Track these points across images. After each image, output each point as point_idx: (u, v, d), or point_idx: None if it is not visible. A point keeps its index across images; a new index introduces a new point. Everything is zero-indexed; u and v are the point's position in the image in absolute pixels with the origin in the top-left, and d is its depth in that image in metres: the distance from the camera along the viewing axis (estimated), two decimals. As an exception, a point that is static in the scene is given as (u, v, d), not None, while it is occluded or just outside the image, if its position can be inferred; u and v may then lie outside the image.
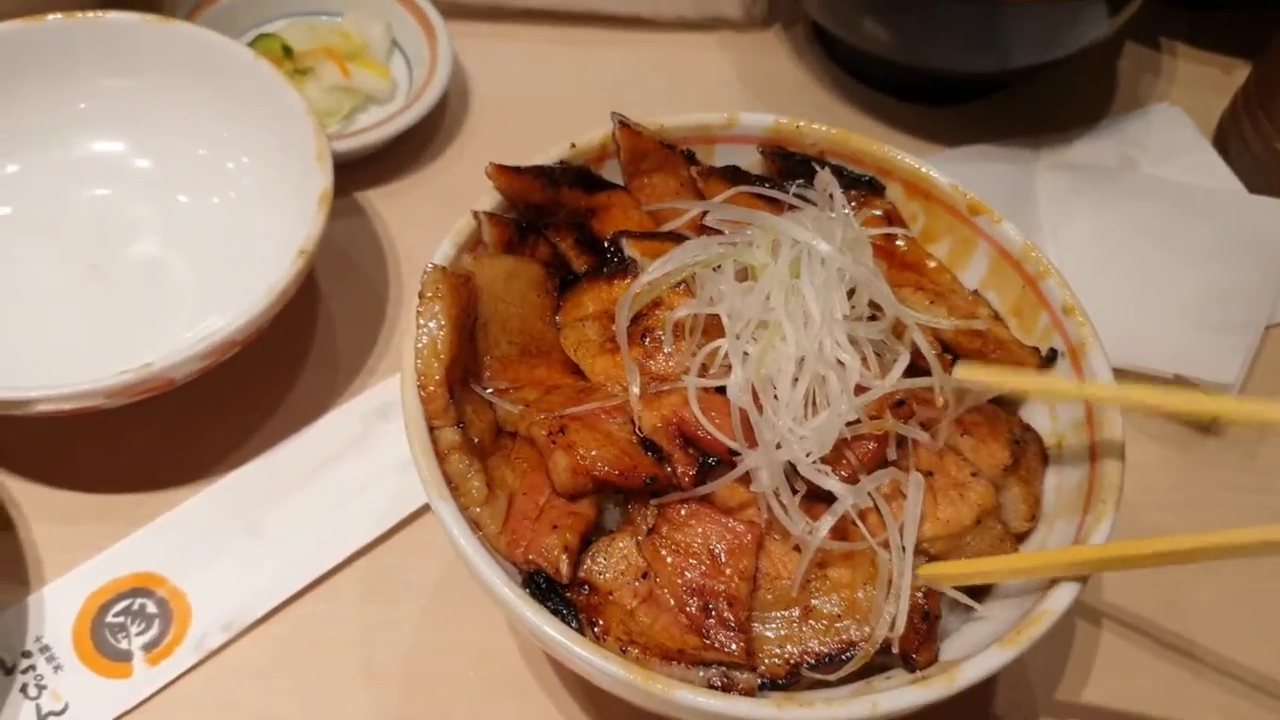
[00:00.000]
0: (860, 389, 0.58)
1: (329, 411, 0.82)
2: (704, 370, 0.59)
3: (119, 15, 0.84)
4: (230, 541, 0.75)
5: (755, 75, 1.07)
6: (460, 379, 0.62)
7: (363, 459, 0.79)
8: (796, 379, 0.57)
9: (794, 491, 0.57)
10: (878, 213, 0.72)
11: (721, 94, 1.06)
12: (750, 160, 0.74)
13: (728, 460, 0.58)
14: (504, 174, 0.68)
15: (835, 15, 1.00)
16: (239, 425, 0.81)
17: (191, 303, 0.81)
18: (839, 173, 0.73)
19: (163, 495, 0.77)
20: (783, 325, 0.58)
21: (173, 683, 0.70)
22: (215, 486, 0.78)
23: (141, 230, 0.84)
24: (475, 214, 0.67)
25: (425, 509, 0.77)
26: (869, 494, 0.58)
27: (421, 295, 0.61)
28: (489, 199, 0.69)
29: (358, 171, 0.94)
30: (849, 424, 0.58)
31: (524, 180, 0.68)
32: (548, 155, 0.71)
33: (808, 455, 0.56)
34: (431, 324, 0.60)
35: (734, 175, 0.73)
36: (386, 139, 0.91)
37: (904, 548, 0.57)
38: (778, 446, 0.56)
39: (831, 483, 0.57)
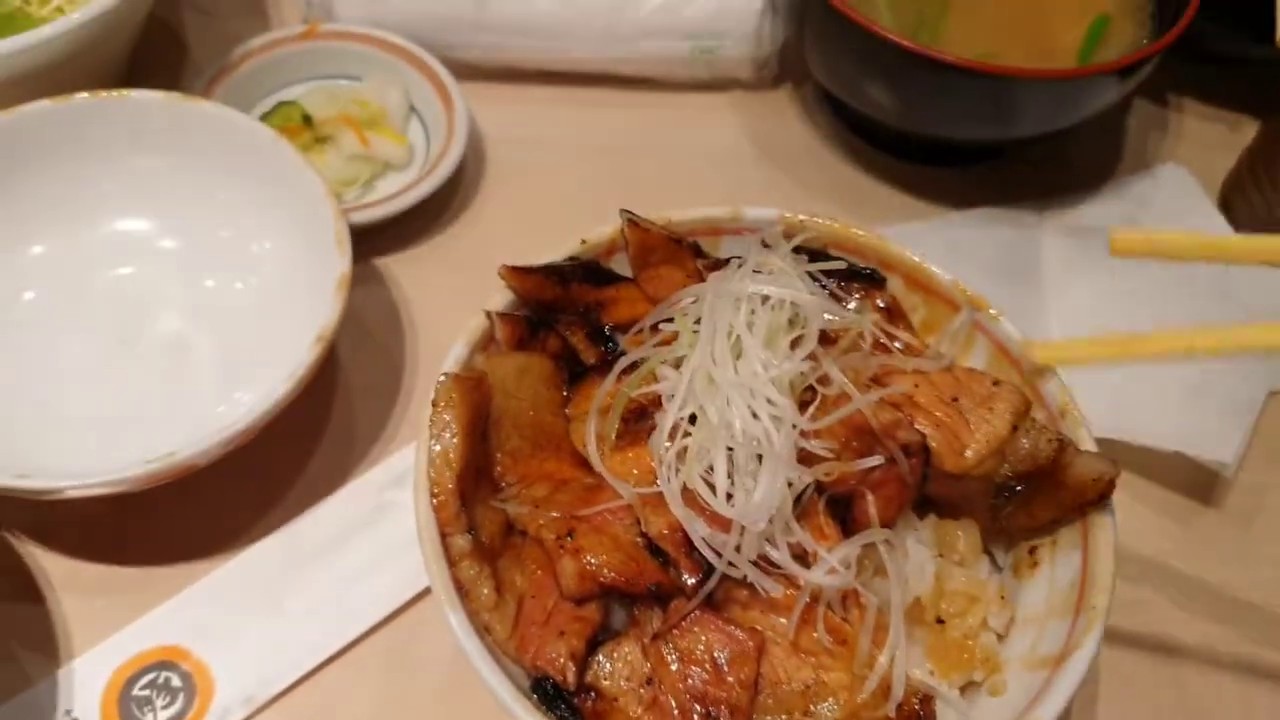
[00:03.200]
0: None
1: (347, 482, 0.84)
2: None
3: (142, 94, 0.86)
4: (252, 615, 0.78)
5: (764, 135, 1.09)
6: (473, 480, 0.64)
7: (380, 531, 0.82)
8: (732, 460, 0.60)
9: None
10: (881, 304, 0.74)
11: (731, 154, 1.08)
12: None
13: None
14: (516, 274, 0.70)
15: (843, 84, 1.02)
16: (260, 497, 0.83)
17: (214, 381, 0.84)
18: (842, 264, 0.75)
19: (186, 568, 0.80)
20: (705, 408, 0.60)
21: (197, 757, 0.73)
22: (237, 560, 0.80)
23: (166, 310, 0.87)
24: (488, 314, 0.69)
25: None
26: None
27: (434, 404, 0.63)
28: (501, 297, 0.71)
29: (375, 238, 0.96)
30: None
31: (535, 279, 0.70)
32: (558, 252, 0.73)
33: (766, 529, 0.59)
34: (445, 434, 0.62)
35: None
36: (405, 208, 0.93)
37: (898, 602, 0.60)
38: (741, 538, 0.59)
39: (782, 556, 0.59)
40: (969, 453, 0.63)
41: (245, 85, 0.99)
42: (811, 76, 1.12)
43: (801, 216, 0.75)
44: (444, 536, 0.62)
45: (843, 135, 1.09)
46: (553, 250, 0.73)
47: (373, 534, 0.82)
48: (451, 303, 0.94)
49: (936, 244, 1.00)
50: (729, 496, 0.59)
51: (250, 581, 0.79)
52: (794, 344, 0.63)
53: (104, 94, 0.85)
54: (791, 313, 0.63)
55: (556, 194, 1.03)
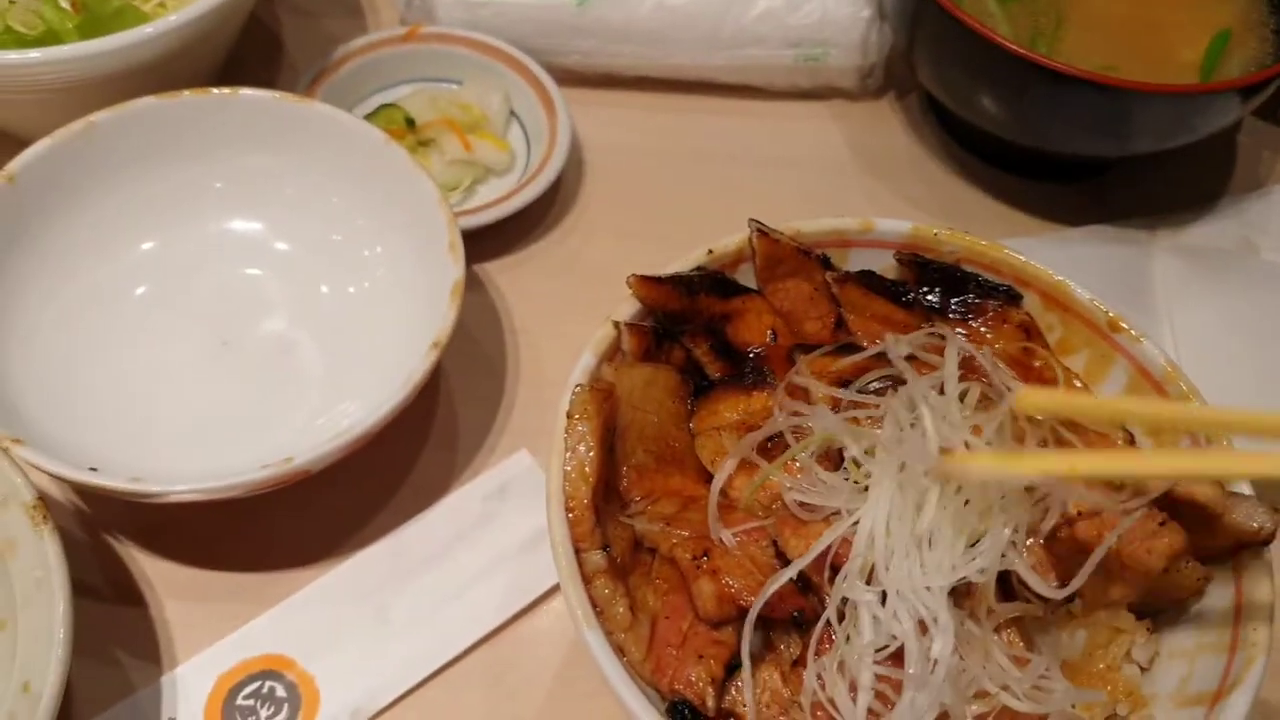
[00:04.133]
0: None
1: (450, 492, 0.83)
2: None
3: (252, 93, 0.85)
4: (358, 625, 0.76)
5: (868, 145, 1.07)
6: (603, 495, 0.62)
7: (483, 542, 0.80)
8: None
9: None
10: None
11: (832, 164, 1.05)
12: (884, 264, 0.74)
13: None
14: (645, 284, 0.68)
15: (954, 93, 0.99)
16: (363, 505, 0.82)
17: (318, 386, 0.82)
18: (975, 281, 0.73)
19: (289, 575, 0.78)
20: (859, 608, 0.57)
21: (301, 770, 0.72)
22: (342, 568, 0.79)
23: (273, 313, 0.85)
24: (616, 324, 0.67)
25: (542, 598, 0.78)
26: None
27: (569, 416, 0.62)
28: (627, 307, 0.69)
29: (475, 244, 0.94)
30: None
31: (664, 290, 0.68)
32: (685, 262, 0.71)
33: None
34: (580, 446, 0.61)
35: (868, 281, 0.72)
36: (509, 214, 0.92)
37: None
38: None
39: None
40: (1114, 592, 0.60)
41: (346, 86, 0.97)
42: (916, 87, 1.10)
43: (935, 230, 0.73)
44: (578, 552, 0.60)
45: (947, 147, 1.07)
46: (679, 261, 0.71)
47: (476, 545, 0.80)
48: (553, 310, 0.93)
49: (1043, 260, 0.96)
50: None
51: (354, 591, 0.78)
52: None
53: (215, 91, 0.84)
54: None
55: (655, 202, 1.01)
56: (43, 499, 0.68)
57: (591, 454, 0.60)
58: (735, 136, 1.06)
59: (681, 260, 0.71)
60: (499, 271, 0.95)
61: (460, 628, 0.77)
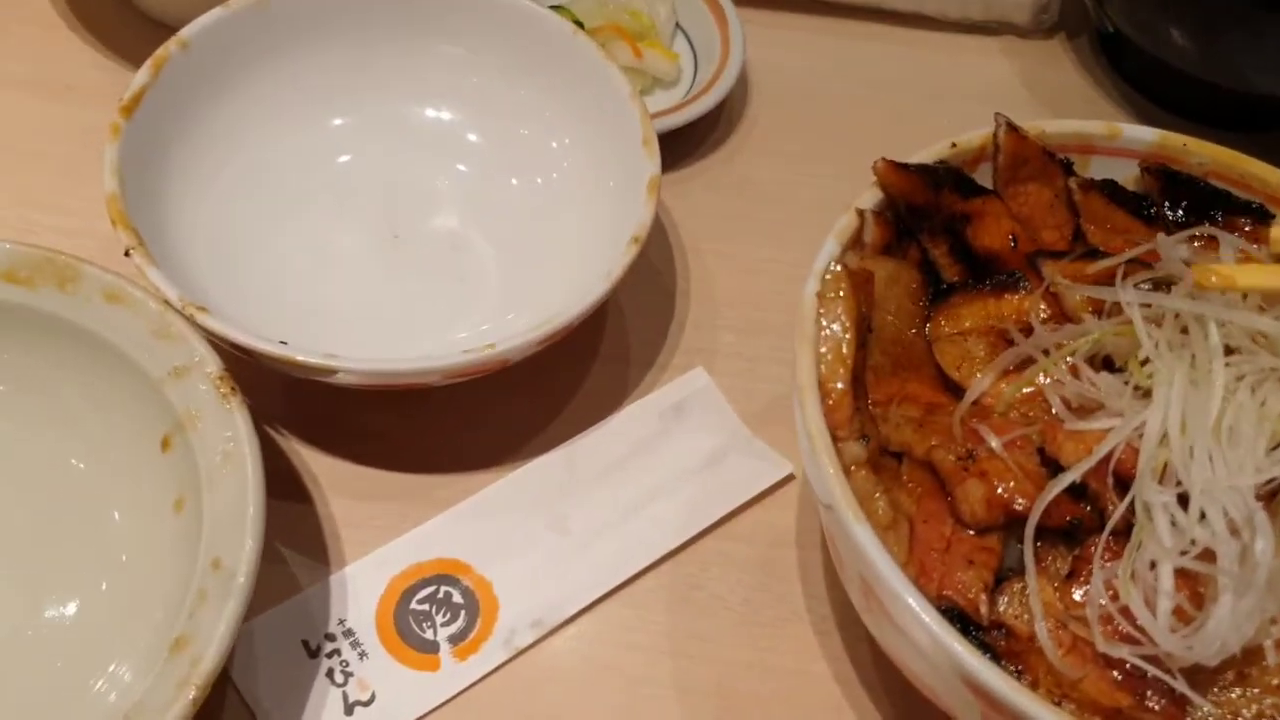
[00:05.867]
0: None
1: (624, 406, 0.78)
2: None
3: (433, -24, 0.80)
4: (535, 534, 0.72)
5: (1039, 84, 1.02)
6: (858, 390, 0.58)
7: (662, 459, 0.75)
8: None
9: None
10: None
11: (1003, 101, 0.98)
12: (1128, 175, 0.69)
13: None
14: (893, 170, 0.63)
15: (1144, 26, 0.94)
16: (536, 413, 0.77)
17: (493, 290, 0.78)
18: (1225, 198, 0.68)
19: (461, 478, 0.74)
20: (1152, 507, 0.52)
21: (481, 680, 0.67)
22: (515, 475, 0.74)
23: (453, 206, 0.81)
24: (860, 212, 0.63)
25: (727, 518, 0.74)
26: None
27: (821, 296, 0.57)
28: (869, 196, 0.64)
29: (642, 155, 0.90)
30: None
31: (911, 179, 0.64)
32: (928, 154, 0.66)
33: None
34: (835, 326, 0.56)
35: (1111, 191, 0.68)
36: (679, 126, 0.87)
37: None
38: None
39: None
40: None
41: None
42: (1087, 28, 1.05)
43: (1184, 140, 0.68)
44: (836, 441, 0.55)
45: (1121, 90, 1.02)
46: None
47: (655, 461, 0.75)
48: (721, 229, 0.89)
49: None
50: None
51: (530, 499, 0.73)
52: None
53: (395, -28, 0.79)
54: None
55: (823, 127, 0.96)
56: (229, 370, 0.64)
57: (848, 336, 0.56)
58: (904, 66, 1.01)
59: (924, 153, 0.66)
60: (665, 186, 0.89)
61: (643, 543, 0.72)
